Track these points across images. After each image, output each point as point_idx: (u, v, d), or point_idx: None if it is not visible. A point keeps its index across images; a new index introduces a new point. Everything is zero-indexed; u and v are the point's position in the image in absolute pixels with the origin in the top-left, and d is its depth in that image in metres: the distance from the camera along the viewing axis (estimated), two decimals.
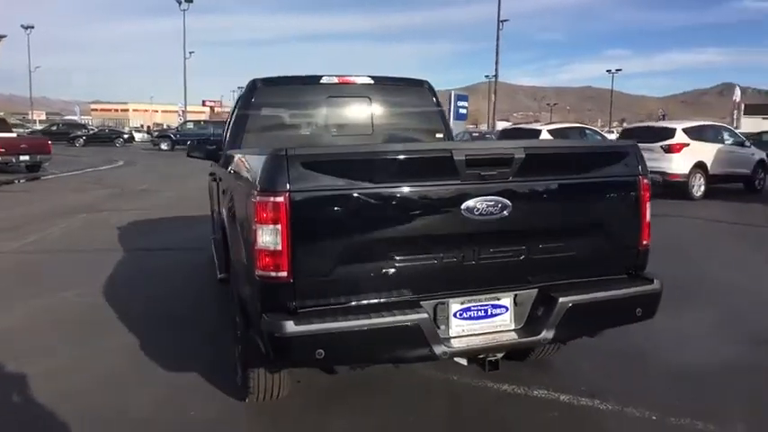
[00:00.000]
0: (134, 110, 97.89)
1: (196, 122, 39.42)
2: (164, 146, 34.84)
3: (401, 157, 2.50)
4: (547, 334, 2.59)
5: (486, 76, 62.10)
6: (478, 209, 2.48)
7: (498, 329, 2.65)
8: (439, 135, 4.80)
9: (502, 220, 2.52)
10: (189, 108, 55.55)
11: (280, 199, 2.29)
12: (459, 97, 25.78)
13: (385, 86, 4.66)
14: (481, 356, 2.67)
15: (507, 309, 2.67)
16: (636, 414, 3.16)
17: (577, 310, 2.61)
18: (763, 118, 43.03)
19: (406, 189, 2.44)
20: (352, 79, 4.55)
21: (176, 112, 57.02)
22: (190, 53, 51.10)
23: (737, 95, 31.99)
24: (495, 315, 2.66)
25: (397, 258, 2.46)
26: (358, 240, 2.41)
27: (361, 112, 4.60)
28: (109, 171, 20.85)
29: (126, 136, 44.19)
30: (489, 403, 3.34)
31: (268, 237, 2.33)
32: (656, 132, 12.59)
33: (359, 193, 2.38)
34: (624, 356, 3.85)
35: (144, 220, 9.71)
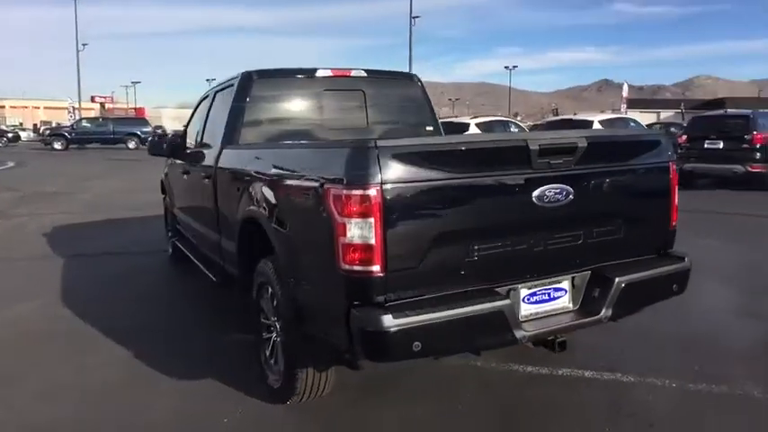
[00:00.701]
0: (11, 106, 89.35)
1: (92, 119, 36.74)
2: (57, 145, 32.08)
3: (483, 147, 2.55)
4: (606, 313, 2.74)
5: None
6: (547, 196, 2.58)
7: (560, 312, 2.77)
8: (429, 128, 4.85)
9: (565, 206, 2.63)
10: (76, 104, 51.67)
11: (372, 192, 2.25)
12: None
13: (377, 79, 4.65)
14: (550, 338, 2.77)
15: (566, 291, 2.80)
16: (657, 383, 3.40)
17: (631, 288, 2.78)
18: (641, 111, 47.06)
19: (486, 179, 2.50)
20: (346, 72, 4.49)
21: (65, 108, 52.74)
22: (83, 45, 47.42)
23: (625, 91, 34.79)
24: (557, 298, 2.77)
25: (476, 247, 2.50)
26: (443, 230, 2.42)
27: (356, 105, 4.55)
28: (2, 173, 19.04)
29: (10, 135, 40.32)
30: (523, 385, 3.46)
31: (358, 231, 2.28)
32: (576, 124, 13.47)
33: (445, 184, 2.40)
34: (623, 331, 4.10)
35: (72, 225, 9.01)
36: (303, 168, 2.71)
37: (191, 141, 5.64)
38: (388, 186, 2.27)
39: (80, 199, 12.32)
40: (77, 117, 42.18)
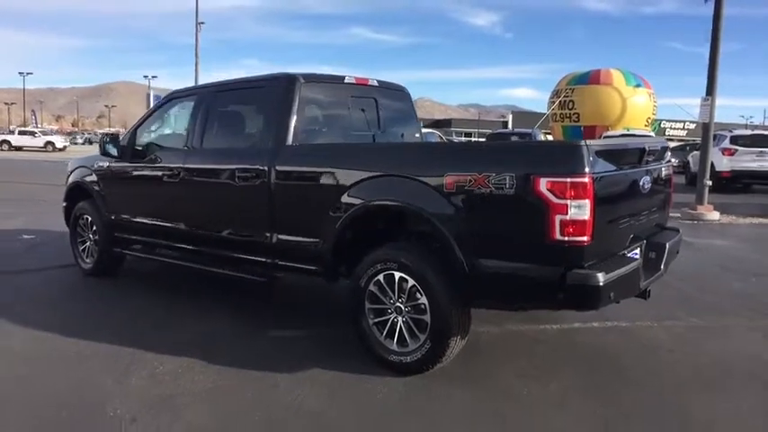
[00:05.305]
0: None
1: None
2: None
3: (636, 147, 3.60)
4: (664, 269, 3.83)
5: (146, 77, 59.19)
6: (644, 185, 3.59)
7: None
8: (417, 135, 5.49)
9: (647, 192, 3.67)
10: None
11: (588, 179, 2.96)
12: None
13: (383, 89, 5.09)
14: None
15: (638, 255, 3.82)
16: (688, 323, 4.67)
17: (672, 250, 3.93)
18: None
19: (630, 170, 3.48)
20: (365, 80, 4.88)
21: None
22: None
23: None
24: (636, 261, 3.77)
25: (620, 222, 3.39)
26: (614, 208, 3.31)
27: (372, 112, 4.95)
28: None
29: None
30: (566, 337, 4.37)
31: (576, 210, 2.95)
32: None
33: (618, 174, 3.30)
34: None
35: None
36: (479, 164, 3.22)
37: (150, 143, 5.33)
38: (595, 175, 3.01)
39: None
40: None
